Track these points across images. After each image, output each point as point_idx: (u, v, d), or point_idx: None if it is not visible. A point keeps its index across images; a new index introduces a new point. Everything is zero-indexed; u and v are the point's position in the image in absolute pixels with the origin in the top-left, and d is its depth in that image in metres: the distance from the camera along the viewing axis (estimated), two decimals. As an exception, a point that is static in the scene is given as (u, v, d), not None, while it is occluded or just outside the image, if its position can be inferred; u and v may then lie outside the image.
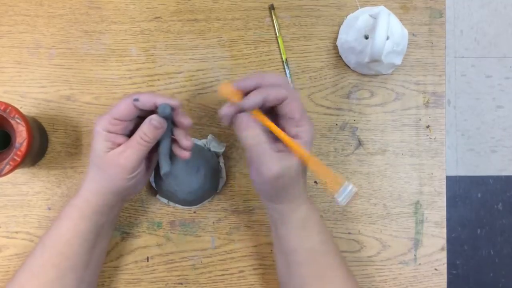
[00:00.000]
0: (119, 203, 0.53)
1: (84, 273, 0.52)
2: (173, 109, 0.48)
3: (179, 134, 0.51)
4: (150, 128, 0.48)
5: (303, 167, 0.49)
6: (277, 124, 0.48)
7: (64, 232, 0.51)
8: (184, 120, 0.50)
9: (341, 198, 0.49)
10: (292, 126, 0.48)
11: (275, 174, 0.46)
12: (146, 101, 0.48)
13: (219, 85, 0.50)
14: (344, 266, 0.53)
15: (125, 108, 0.48)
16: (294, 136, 0.48)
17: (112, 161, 0.49)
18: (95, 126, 0.49)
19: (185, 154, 0.51)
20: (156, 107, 0.48)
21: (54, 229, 0.51)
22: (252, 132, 0.47)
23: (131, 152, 0.48)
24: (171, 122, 0.50)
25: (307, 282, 0.51)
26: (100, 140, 0.49)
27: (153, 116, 0.48)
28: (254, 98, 0.47)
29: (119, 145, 0.49)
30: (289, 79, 0.62)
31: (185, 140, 0.51)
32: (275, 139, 0.48)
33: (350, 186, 0.49)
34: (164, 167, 0.51)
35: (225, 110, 0.48)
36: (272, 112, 0.50)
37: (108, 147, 0.49)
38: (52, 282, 0.50)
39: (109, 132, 0.49)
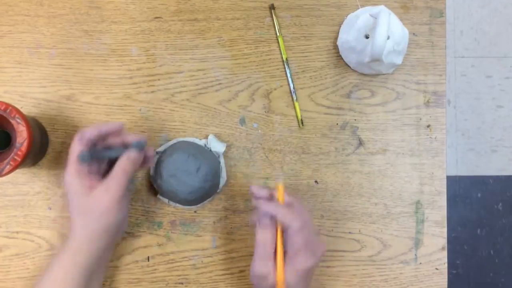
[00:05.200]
0: (109, 246, 0.54)
1: None
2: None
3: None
4: (129, 162, 0.52)
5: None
6: None
7: (56, 280, 0.51)
8: (149, 152, 0.55)
9: None
10: (291, 249, 0.50)
11: (257, 275, 0.50)
12: (93, 136, 0.52)
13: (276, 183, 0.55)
14: None
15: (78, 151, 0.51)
16: (291, 256, 0.50)
17: (99, 199, 0.50)
18: (64, 178, 0.51)
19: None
20: (125, 144, 0.53)
21: (46, 277, 0.52)
22: (265, 232, 0.50)
23: (114, 188, 0.51)
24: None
25: None
26: (75, 189, 0.51)
27: (131, 152, 0.52)
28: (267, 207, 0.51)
29: (95, 186, 0.51)
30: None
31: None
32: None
33: None
34: (85, 154, 0.51)
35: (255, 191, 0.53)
36: None
37: (86, 191, 0.51)
38: None
39: (81, 178, 0.51)
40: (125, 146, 0.53)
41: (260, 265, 0.50)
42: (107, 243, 0.53)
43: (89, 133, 0.51)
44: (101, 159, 0.54)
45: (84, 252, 0.51)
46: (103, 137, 0.53)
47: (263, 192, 0.53)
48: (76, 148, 0.51)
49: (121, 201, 0.51)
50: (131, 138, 0.53)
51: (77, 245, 0.51)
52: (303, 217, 0.51)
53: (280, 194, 0.52)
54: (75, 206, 0.51)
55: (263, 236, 0.50)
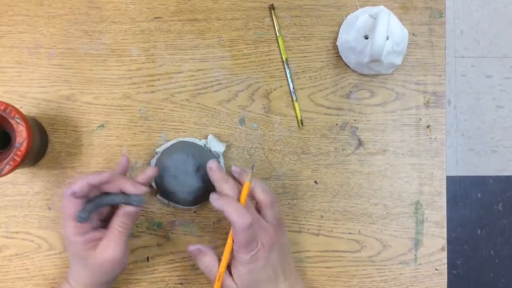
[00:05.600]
0: None
1: None
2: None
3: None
4: (126, 218, 0.51)
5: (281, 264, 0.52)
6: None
7: None
8: (151, 172, 0.54)
9: None
10: (234, 246, 0.51)
11: None
12: (83, 190, 0.50)
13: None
14: None
15: (72, 206, 0.50)
16: (234, 254, 0.51)
17: (101, 258, 0.51)
18: (64, 234, 0.51)
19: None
20: (122, 191, 0.50)
21: None
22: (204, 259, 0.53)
23: (116, 243, 0.51)
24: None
25: None
26: (76, 248, 0.51)
27: (129, 209, 0.50)
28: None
29: (98, 239, 0.51)
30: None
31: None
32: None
33: None
34: (83, 213, 0.50)
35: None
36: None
37: (90, 247, 0.51)
38: None
39: (81, 234, 0.50)
40: (123, 192, 0.51)
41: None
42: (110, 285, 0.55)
43: (79, 187, 0.49)
44: (99, 209, 0.52)
45: None
46: (94, 187, 0.50)
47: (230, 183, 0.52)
48: (70, 205, 0.50)
49: (124, 253, 0.52)
50: (129, 187, 0.50)
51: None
52: (260, 222, 0.51)
53: (243, 193, 0.51)
54: (75, 257, 0.52)
55: (203, 262, 0.53)
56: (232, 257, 0.52)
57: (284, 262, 0.53)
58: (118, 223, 0.51)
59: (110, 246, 0.51)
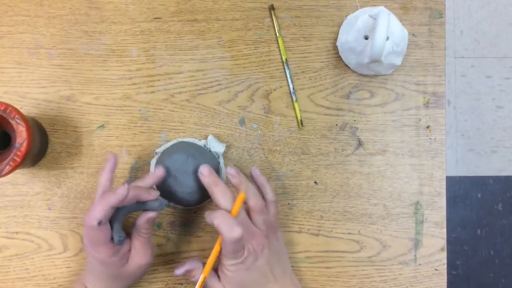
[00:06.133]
0: None
1: None
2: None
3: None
4: (149, 224, 0.53)
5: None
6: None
7: None
8: (160, 173, 0.55)
9: None
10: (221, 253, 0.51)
11: None
12: (127, 203, 0.51)
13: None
14: None
15: (104, 238, 0.50)
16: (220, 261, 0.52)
17: (134, 267, 0.53)
18: (97, 258, 0.51)
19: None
20: (139, 200, 0.51)
21: None
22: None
23: (145, 250, 0.53)
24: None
25: None
26: (114, 265, 0.52)
27: (151, 214, 0.52)
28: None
29: (128, 251, 0.53)
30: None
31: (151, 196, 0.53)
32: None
33: None
34: (119, 235, 0.52)
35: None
36: None
37: (124, 262, 0.53)
38: None
39: (117, 254, 0.52)
40: (140, 201, 0.52)
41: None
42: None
43: (102, 214, 0.48)
44: (123, 219, 0.53)
45: None
46: (113, 208, 0.50)
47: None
48: (100, 234, 0.49)
49: (151, 255, 0.55)
50: (144, 196, 0.51)
51: None
52: (252, 231, 0.52)
53: (237, 205, 0.51)
54: (109, 275, 0.53)
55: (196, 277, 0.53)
56: (218, 261, 0.52)
57: (274, 265, 0.53)
58: (143, 230, 0.53)
59: (140, 254, 0.53)
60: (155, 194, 0.53)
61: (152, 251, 0.55)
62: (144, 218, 0.52)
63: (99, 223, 0.48)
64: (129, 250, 0.53)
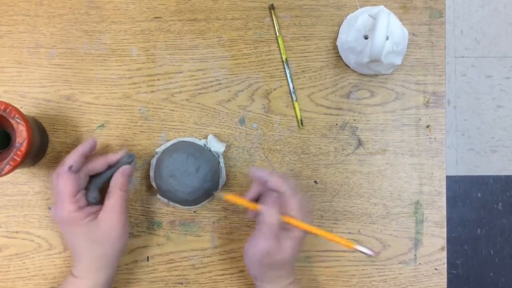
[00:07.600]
0: (112, 275, 0.55)
1: None
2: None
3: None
4: (124, 177, 0.54)
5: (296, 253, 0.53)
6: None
7: None
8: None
9: (365, 249, 0.51)
10: (289, 214, 0.52)
11: (261, 252, 0.50)
12: (78, 162, 0.52)
13: (225, 195, 0.55)
14: None
15: (73, 185, 0.51)
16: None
17: (103, 230, 0.52)
18: (62, 214, 0.51)
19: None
20: (108, 166, 0.54)
21: None
22: (271, 211, 0.51)
23: (115, 211, 0.52)
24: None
25: None
26: (80, 223, 0.51)
27: (125, 167, 0.54)
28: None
29: (96, 211, 0.52)
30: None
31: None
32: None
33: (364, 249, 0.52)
34: (94, 195, 0.54)
35: (250, 215, 0.56)
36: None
37: (91, 218, 0.52)
38: None
39: (82, 209, 0.51)
40: (111, 166, 0.55)
41: (265, 243, 0.50)
42: (112, 271, 0.55)
43: (73, 160, 0.52)
44: (101, 185, 0.55)
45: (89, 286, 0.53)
46: (85, 158, 0.53)
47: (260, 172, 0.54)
48: (68, 182, 0.51)
49: (125, 220, 0.53)
50: (113, 158, 0.54)
51: (83, 278, 0.53)
52: (294, 186, 0.53)
53: (234, 201, 0.53)
54: (81, 239, 0.52)
55: (270, 214, 0.50)
56: (283, 228, 0.52)
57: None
58: (119, 184, 0.53)
59: (111, 214, 0.52)
60: (122, 152, 0.55)
61: (126, 219, 0.53)
62: (120, 171, 0.54)
63: (70, 167, 0.51)
64: (98, 212, 0.53)
